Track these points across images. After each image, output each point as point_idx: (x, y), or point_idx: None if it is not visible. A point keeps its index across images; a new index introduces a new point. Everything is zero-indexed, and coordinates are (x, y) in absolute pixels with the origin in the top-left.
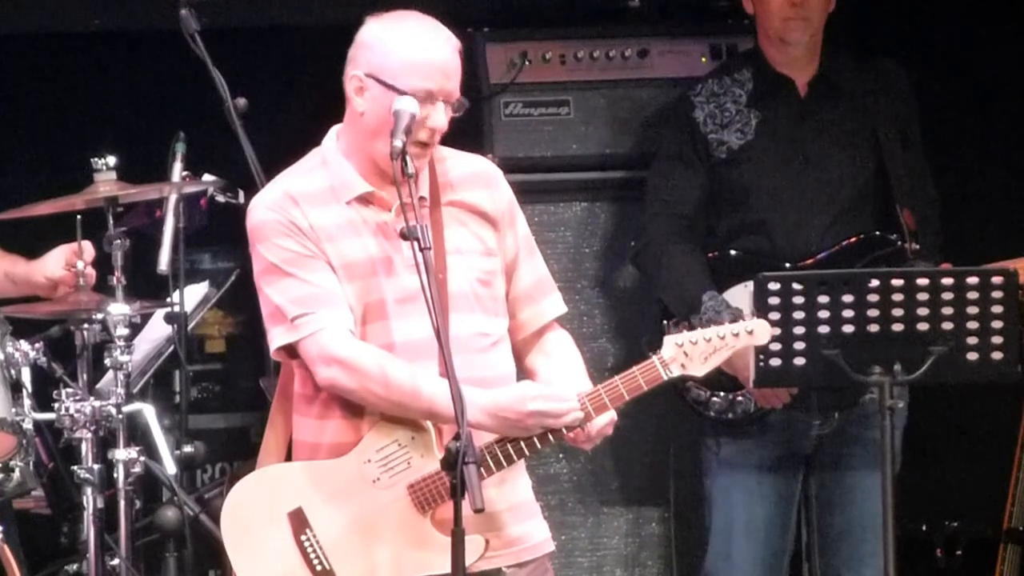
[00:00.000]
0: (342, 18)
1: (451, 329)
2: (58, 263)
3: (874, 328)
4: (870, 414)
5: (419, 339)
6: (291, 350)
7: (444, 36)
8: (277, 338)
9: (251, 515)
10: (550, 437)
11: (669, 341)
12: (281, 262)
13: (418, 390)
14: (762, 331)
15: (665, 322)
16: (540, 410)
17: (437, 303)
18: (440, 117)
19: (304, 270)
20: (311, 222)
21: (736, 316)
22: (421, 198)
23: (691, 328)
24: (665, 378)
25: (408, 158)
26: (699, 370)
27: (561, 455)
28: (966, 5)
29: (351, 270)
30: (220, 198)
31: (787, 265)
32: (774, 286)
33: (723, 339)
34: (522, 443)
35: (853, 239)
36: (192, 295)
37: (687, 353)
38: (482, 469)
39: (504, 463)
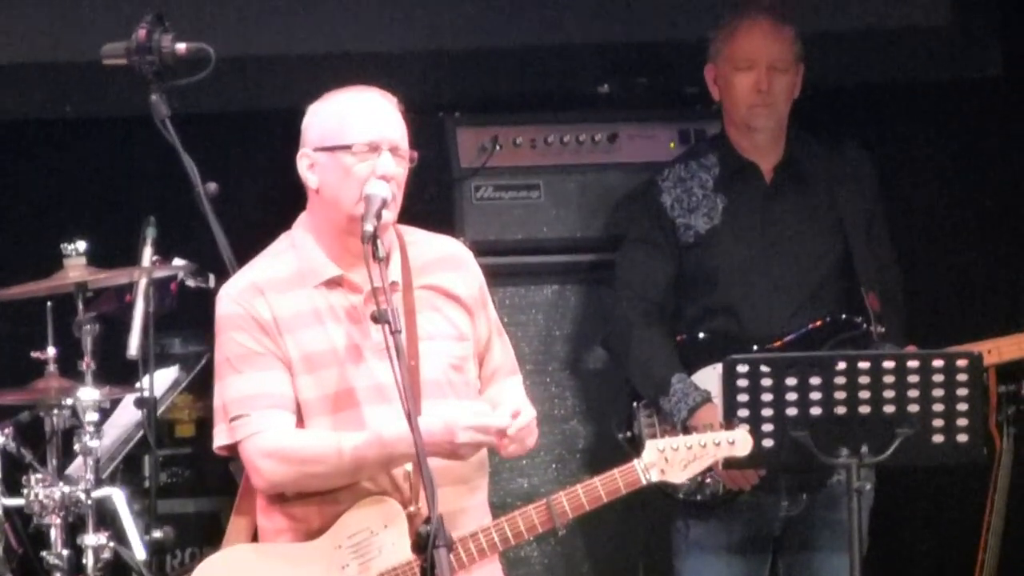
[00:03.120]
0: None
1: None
2: None
3: (841, 410)
4: (838, 495)
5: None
6: (232, 448)
7: (376, 93)
8: (217, 437)
9: None
10: (525, 534)
11: (651, 446)
12: (234, 357)
13: (379, 435)
14: (743, 442)
15: (635, 404)
16: (471, 442)
17: (408, 389)
18: (388, 164)
19: (253, 368)
20: (275, 312)
21: (705, 399)
22: (393, 283)
23: (659, 411)
24: (644, 482)
25: (379, 242)
26: (679, 476)
27: (531, 537)
28: (929, 92)
29: (312, 361)
30: (190, 282)
31: (755, 347)
32: (742, 368)
33: (704, 447)
34: (495, 537)
35: (819, 322)
36: (162, 380)
37: (668, 459)
38: (453, 559)
39: (477, 556)
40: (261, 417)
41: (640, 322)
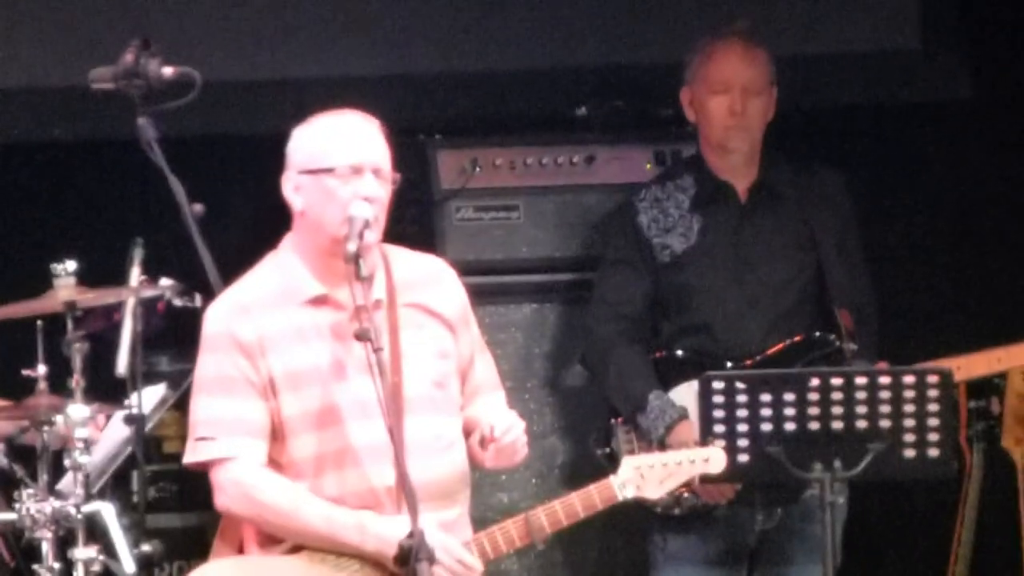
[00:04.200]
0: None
1: (407, 432)
2: None
3: (815, 426)
4: (811, 509)
5: (374, 442)
6: (202, 464)
7: (359, 116)
8: (186, 454)
9: None
10: (504, 548)
11: (627, 463)
12: (210, 378)
13: (362, 524)
14: (718, 460)
15: (613, 421)
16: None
17: (391, 406)
18: (371, 186)
19: (227, 393)
20: (259, 332)
21: (681, 415)
22: (377, 301)
23: (637, 428)
24: (620, 498)
25: (362, 262)
26: (654, 493)
27: (511, 552)
28: (900, 115)
29: (297, 378)
30: (177, 302)
31: (730, 364)
32: (718, 385)
33: (680, 465)
34: (475, 551)
35: (794, 339)
36: (150, 397)
37: (643, 476)
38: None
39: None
40: (230, 443)
41: (617, 340)
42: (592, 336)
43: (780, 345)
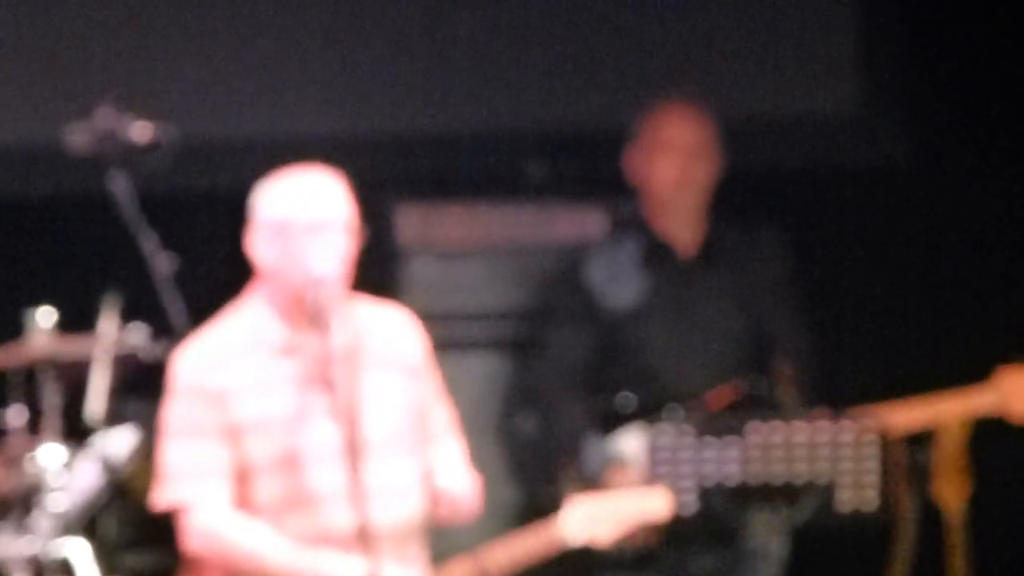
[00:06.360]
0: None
1: (369, 476)
2: None
3: (756, 474)
4: (753, 556)
5: (336, 487)
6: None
7: (323, 173)
8: (155, 497)
9: None
10: None
11: (573, 507)
12: (176, 424)
13: (295, 567)
14: (661, 503)
15: (560, 466)
16: None
17: (354, 451)
18: (334, 240)
19: (193, 438)
20: (227, 378)
21: (625, 461)
22: (341, 348)
23: (584, 475)
24: (567, 541)
25: (326, 313)
26: (601, 536)
27: None
28: (840, 177)
29: (262, 425)
30: (149, 349)
31: (674, 412)
32: (662, 433)
33: (625, 508)
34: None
35: (736, 389)
36: (123, 439)
37: (589, 519)
38: None
39: None
40: (196, 488)
41: (564, 388)
42: (538, 385)
43: (722, 396)
